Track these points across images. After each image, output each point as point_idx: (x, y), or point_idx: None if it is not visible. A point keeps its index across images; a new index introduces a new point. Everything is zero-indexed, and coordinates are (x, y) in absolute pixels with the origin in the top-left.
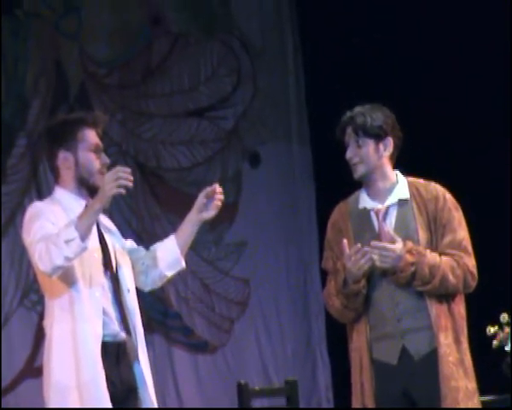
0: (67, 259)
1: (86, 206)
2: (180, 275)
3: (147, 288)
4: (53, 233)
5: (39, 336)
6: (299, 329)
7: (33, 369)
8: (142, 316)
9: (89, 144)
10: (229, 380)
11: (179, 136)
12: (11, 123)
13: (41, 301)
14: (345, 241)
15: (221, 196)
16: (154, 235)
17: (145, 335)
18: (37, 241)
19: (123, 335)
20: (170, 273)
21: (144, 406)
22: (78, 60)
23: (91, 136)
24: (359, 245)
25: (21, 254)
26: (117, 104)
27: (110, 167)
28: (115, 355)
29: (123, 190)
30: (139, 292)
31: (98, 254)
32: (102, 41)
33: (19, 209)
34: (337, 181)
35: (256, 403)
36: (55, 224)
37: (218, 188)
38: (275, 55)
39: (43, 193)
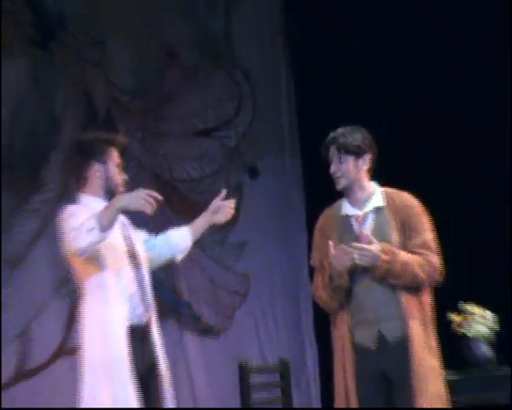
0: (90, 244)
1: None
2: (190, 270)
3: (155, 267)
4: (80, 224)
5: (71, 322)
6: (290, 316)
7: (66, 350)
8: (156, 303)
9: (116, 162)
10: (232, 359)
11: (190, 152)
12: (46, 140)
13: (72, 293)
14: (330, 243)
15: (232, 208)
16: None
17: (160, 320)
18: (68, 231)
19: (146, 316)
20: (180, 257)
21: (164, 381)
22: (103, 87)
23: (116, 154)
24: (343, 246)
25: (56, 253)
26: (137, 126)
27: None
28: (140, 336)
29: (147, 210)
30: (155, 285)
31: (124, 244)
32: (126, 72)
33: (53, 214)
34: (323, 190)
35: (254, 379)
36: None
37: (231, 203)
38: (270, 85)
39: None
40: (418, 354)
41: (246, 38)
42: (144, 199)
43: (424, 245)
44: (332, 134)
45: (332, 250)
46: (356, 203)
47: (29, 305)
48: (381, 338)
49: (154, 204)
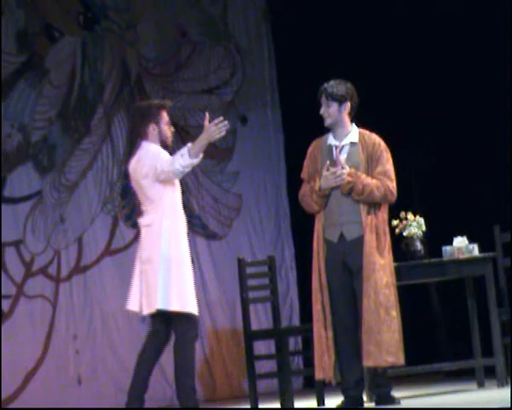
0: (184, 165)
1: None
2: (199, 192)
3: None
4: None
5: (114, 230)
6: (273, 225)
7: (110, 251)
8: None
9: (166, 121)
10: (231, 256)
11: (198, 105)
12: (93, 98)
13: (114, 209)
14: (328, 162)
15: (223, 125)
16: None
17: None
18: (164, 161)
19: None
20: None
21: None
22: (135, 58)
23: (166, 115)
24: (333, 170)
25: (101, 180)
26: (159, 86)
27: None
28: None
29: (223, 135)
30: None
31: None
32: (151, 46)
33: (98, 153)
34: (296, 134)
35: (248, 270)
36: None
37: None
38: (256, 55)
39: (114, 142)
40: (367, 252)
41: (237, 20)
42: (217, 130)
43: (383, 173)
44: (324, 84)
45: (325, 172)
46: (337, 137)
47: (83, 218)
48: (342, 237)
49: (224, 129)
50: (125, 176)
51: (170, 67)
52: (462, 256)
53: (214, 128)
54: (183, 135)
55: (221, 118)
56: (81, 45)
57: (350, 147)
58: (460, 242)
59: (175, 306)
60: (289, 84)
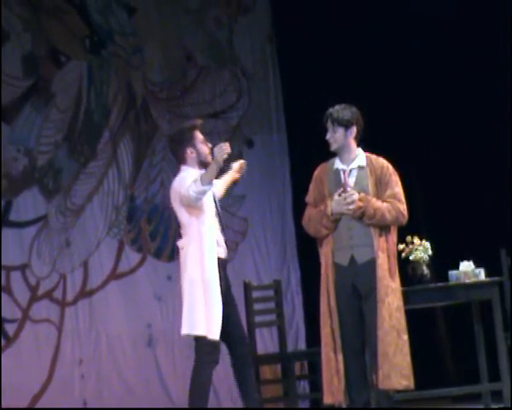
0: (198, 192)
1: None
2: None
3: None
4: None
5: (120, 254)
6: (279, 248)
7: (116, 275)
8: None
9: (200, 140)
10: (237, 280)
11: (204, 129)
12: (99, 122)
13: (120, 233)
14: (341, 189)
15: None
16: None
17: None
18: (185, 187)
19: (226, 252)
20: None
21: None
22: (141, 82)
23: (199, 134)
24: (344, 195)
25: (107, 204)
26: (165, 110)
27: (162, 149)
28: (223, 266)
29: (225, 157)
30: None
31: (212, 200)
32: (156, 70)
33: (104, 177)
34: (302, 157)
35: (255, 294)
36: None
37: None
38: (262, 79)
39: (120, 166)
40: (381, 276)
41: (243, 44)
42: (221, 152)
43: (393, 196)
44: (330, 109)
45: (337, 196)
46: (345, 161)
47: (88, 242)
48: (353, 260)
49: (227, 153)
50: (131, 200)
51: (176, 90)
52: (468, 280)
53: (218, 151)
54: None
55: (226, 143)
56: (87, 69)
57: (358, 171)
58: (466, 266)
59: (199, 330)
60: (295, 108)
